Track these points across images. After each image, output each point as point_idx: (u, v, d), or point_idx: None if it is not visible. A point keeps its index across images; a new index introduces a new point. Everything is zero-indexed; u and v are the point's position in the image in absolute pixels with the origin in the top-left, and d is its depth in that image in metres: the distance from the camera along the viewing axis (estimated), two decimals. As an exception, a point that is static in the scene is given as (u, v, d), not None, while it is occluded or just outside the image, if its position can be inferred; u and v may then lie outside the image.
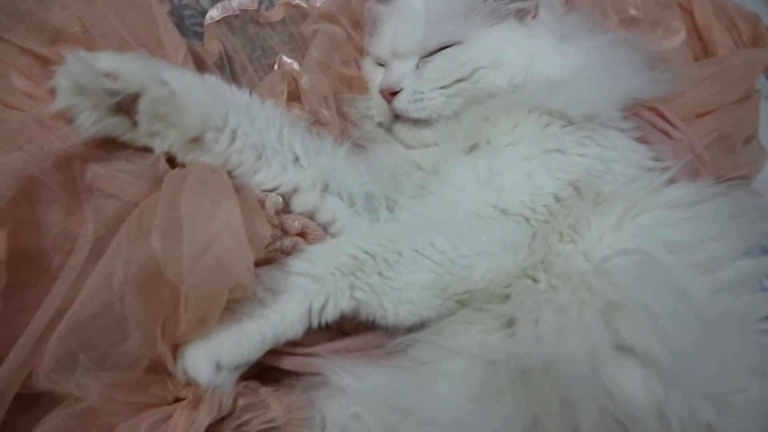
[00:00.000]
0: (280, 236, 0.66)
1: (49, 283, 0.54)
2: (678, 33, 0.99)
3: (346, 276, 0.61)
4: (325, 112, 0.78)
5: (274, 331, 0.57)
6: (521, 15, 0.80)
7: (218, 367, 0.54)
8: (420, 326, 0.65)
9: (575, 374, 0.55)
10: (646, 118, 0.86)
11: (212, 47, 0.76)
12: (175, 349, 0.55)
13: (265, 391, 0.62)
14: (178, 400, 0.57)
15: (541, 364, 0.56)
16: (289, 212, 0.70)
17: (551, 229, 0.68)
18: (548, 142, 0.73)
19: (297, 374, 0.63)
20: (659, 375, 0.55)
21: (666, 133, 0.87)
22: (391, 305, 0.61)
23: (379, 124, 0.85)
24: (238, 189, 0.58)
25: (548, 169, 0.71)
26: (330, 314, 0.60)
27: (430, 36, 0.79)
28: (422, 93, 0.78)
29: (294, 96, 0.80)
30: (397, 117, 0.82)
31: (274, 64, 0.83)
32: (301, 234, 0.70)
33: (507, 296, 0.65)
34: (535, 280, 0.65)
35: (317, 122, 0.77)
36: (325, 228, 0.72)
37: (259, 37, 0.83)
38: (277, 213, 0.66)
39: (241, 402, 0.59)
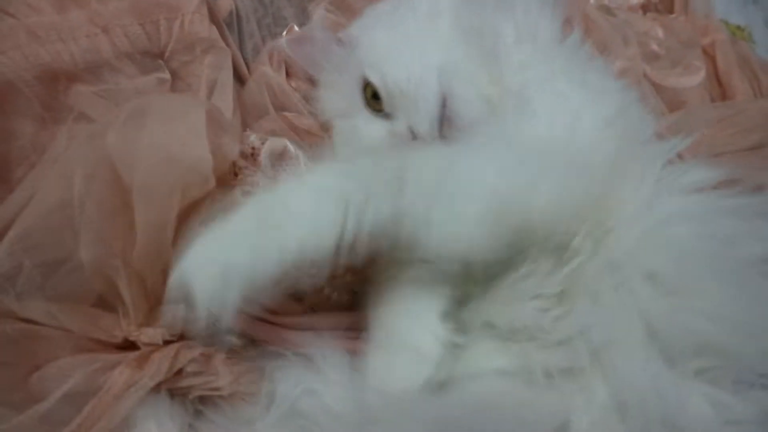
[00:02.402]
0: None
1: (6, 194, 0.50)
2: (698, 72, 0.98)
3: (390, 182, 0.47)
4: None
5: (297, 244, 0.43)
6: None
7: (224, 276, 0.41)
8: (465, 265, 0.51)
9: (633, 367, 0.46)
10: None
11: (224, 3, 0.74)
12: (135, 278, 0.50)
13: (218, 358, 0.57)
14: (126, 342, 0.52)
15: (606, 341, 0.47)
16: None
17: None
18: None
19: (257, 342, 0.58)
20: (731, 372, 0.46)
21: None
22: (440, 220, 0.47)
23: None
24: (210, 111, 0.54)
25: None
26: (368, 223, 0.45)
27: None
28: None
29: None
30: None
31: (281, 33, 0.80)
32: None
33: (566, 248, 0.53)
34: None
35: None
36: None
37: (272, 4, 0.80)
38: (276, 165, 0.61)
39: (189, 368, 0.53)
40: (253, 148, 0.58)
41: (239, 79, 0.73)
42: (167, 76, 0.64)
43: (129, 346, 0.53)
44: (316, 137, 0.71)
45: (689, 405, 0.45)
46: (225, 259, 0.42)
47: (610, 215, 0.54)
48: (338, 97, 0.70)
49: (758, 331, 0.46)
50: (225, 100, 0.65)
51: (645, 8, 1.10)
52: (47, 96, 0.55)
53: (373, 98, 0.66)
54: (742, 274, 0.49)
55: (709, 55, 1.06)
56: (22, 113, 0.53)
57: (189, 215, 0.52)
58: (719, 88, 1.05)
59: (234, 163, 0.59)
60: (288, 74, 0.73)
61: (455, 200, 0.49)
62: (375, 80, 0.64)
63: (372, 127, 0.66)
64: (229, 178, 0.58)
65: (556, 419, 0.46)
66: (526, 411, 0.48)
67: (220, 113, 0.57)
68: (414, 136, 0.63)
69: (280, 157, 0.62)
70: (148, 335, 0.52)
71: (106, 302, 0.53)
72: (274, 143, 0.61)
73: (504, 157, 0.53)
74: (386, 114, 0.66)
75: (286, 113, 0.70)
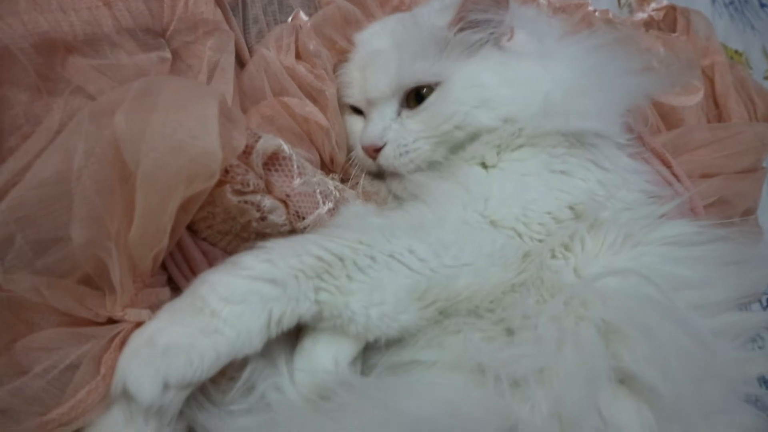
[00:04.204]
0: (263, 190, 0.60)
1: (-4, 162, 0.48)
2: (696, 93, 0.99)
3: (311, 278, 0.54)
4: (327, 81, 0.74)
5: (230, 348, 0.50)
6: (496, 39, 0.73)
7: (165, 387, 0.47)
8: (398, 341, 0.58)
9: (571, 388, 0.50)
10: (652, 164, 0.84)
11: (229, -13, 0.72)
12: (126, 261, 0.49)
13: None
14: (111, 321, 0.51)
15: (537, 370, 0.52)
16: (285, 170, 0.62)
17: (546, 248, 0.64)
18: (555, 162, 0.69)
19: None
20: (654, 409, 0.51)
21: (669, 184, 0.85)
22: (361, 306, 0.55)
23: (369, 174, 0.78)
24: (222, 102, 0.53)
25: (549, 188, 0.67)
26: (287, 322, 0.53)
27: (403, 75, 0.72)
28: (406, 145, 0.72)
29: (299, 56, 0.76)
30: (383, 170, 0.76)
31: (287, 20, 0.79)
32: (284, 202, 0.62)
33: (492, 310, 0.60)
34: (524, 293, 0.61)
35: (319, 77, 0.73)
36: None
37: (278, -9, 0.79)
38: (267, 166, 0.60)
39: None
40: (246, 146, 0.56)
41: (240, 64, 0.72)
42: (168, 55, 0.62)
43: (112, 321, 0.52)
44: (314, 125, 0.71)
45: (622, 422, 0.51)
46: (164, 370, 0.47)
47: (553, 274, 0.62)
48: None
49: (679, 379, 0.51)
50: (226, 84, 0.64)
51: (648, 25, 1.11)
52: (44, 66, 0.53)
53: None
54: (679, 323, 0.55)
55: (708, 77, 1.08)
56: (16, 81, 0.51)
57: (186, 208, 0.52)
58: (716, 110, 1.06)
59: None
60: (298, 57, 0.72)
61: (378, 284, 0.56)
62: None
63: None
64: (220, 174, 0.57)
65: (505, 422, 0.50)
66: (477, 410, 0.51)
67: (229, 105, 0.55)
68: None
69: (272, 157, 0.61)
70: (133, 315, 0.51)
71: (92, 281, 0.51)
72: (267, 142, 0.59)
73: (434, 237, 0.60)
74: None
75: (285, 99, 0.69)
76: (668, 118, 0.98)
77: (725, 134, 0.97)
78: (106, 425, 0.50)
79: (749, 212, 1.01)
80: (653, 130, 0.94)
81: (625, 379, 0.53)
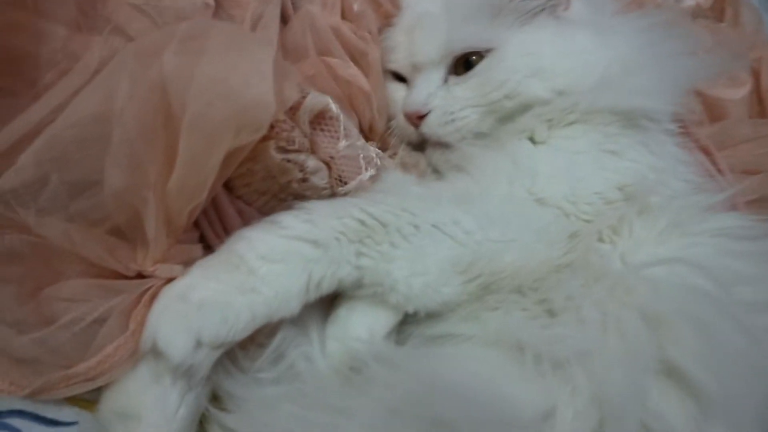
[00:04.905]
0: (307, 149, 0.57)
1: (31, 99, 0.45)
2: (743, 86, 0.95)
3: (353, 242, 0.52)
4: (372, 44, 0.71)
5: (267, 309, 0.48)
6: (552, 9, 0.70)
7: (198, 344, 0.45)
8: (439, 314, 0.56)
9: (614, 374, 0.48)
10: (696, 156, 0.81)
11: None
12: (162, 212, 0.46)
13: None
14: (140, 276, 0.48)
15: (580, 353, 0.49)
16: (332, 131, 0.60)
17: (593, 230, 0.61)
18: (607, 142, 0.66)
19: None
20: (701, 406, 0.49)
21: (712, 177, 0.83)
22: (403, 275, 0.53)
23: (408, 144, 0.75)
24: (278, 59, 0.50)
25: (599, 167, 0.65)
26: (327, 286, 0.52)
27: (454, 40, 0.69)
28: (453, 113, 0.69)
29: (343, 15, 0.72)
30: (425, 139, 0.73)
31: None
32: (327, 164, 0.60)
33: (535, 289, 0.58)
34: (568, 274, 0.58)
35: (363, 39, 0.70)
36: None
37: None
38: (314, 124, 0.57)
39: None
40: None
41: (282, 20, 0.68)
42: (212, 1, 0.59)
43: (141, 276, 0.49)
44: (356, 89, 0.68)
45: (665, 413, 0.49)
46: (198, 327, 0.45)
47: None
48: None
49: (728, 377, 0.49)
50: (269, 37, 0.61)
51: (695, 14, 1.07)
52: (84, 1, 0.50)
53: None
54: (733, 318, 0.52)
55: (755, 70, 1.03)
56: (56, 15, 0.48)
57: (226, 162, 0.49)
58: (758, 106, 1.03)
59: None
60: (343, 17, 0.69)
61: (421, 254, 0.54)
62: None
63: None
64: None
65: (544, 403, 0.48)
66: (515, 387, 0.50)
67: (280, 55, 0.52)
68: None
69: (319, 116, 0.58)
70: (165, 271, 0.48)
71: (122, 232, 0.49)
72: (315, 99, 0.57)
73: (480, 210, 0.58)
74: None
75: (328, 59, 0.66)
76: (712, 110, 0.94)
77: (767, 131, 0.94)
78: (132, 383, 0.48)
79: (784, 213, 0.98)
80: (697, 122, 0.91)
81: (671, 372, 0.51)
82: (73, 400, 0.48)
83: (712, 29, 1.01)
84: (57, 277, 0.45)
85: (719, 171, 0.85)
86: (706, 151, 0.85)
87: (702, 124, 0.94)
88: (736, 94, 0.95)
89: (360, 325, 0.55)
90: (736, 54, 0.99)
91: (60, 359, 0.45)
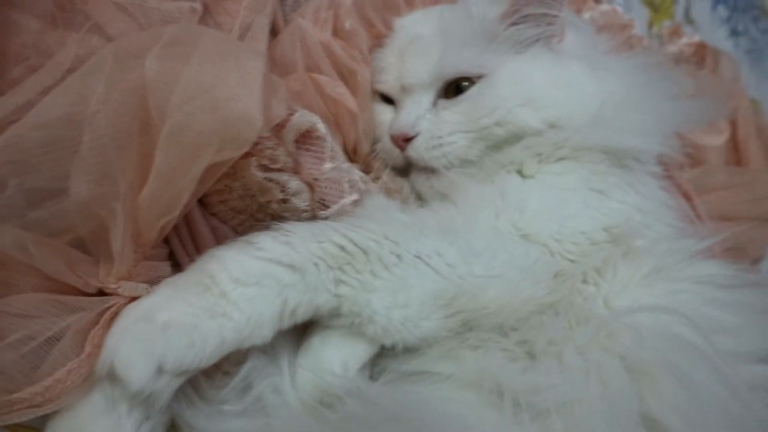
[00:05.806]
0: (291, 169, 0.54)
1: (-5, 93, 0.41)
2: (722, 134, 0.97)
3: (332, 269, 0.49)
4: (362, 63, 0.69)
5: (237, 335, 0.45)
6: (547, 40, 0.69)
7: (159, 370, 0.42)
8: (416, 349, 0.54)
9: (595, 428, 0.46)
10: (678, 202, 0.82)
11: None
12: (130, 226, 0.42)
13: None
14: (101, 293, 0.44)
15: (560, 403, 0.47)
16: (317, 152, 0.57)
17: (578, 270, 0.60)
18: (595, 180, 0.65)
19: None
20: None
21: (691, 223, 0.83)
22: (383, 306, 0.50)
23: (393, 168, 0.72)
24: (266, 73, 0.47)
25: (586, 206, 0.63)
26: (302, 313, 0.49)
27: (446, 63, 0.67)
28: (441, 137, 0.67)
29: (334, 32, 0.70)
30: (411, 163, 0.71)
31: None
32: (310, 186, 0.56)
33: (517, 329, 0.56)
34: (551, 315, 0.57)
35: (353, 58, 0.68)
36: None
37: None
38: (299, 143, 0.54)
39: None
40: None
41: (272, 31, 0.66)
42: (199, 6, 0.56)
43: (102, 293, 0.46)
44: (343, 109, 0.65)
45: None
46: (161, 352, 0.42)
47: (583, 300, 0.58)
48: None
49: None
50: (258, 48, 0.58)
51: (678, 59, 1.09)
52: (62, -5, 0.47)
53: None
54: (715, 370, 0.50)
55: (731, 119, 1.06)
56: (29, 6, 0.45)
57: (204, 177, 0.45)
58: (735, 154, 1.05)
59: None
60: (334, 34, 0.67)
61: (404, 285, 0.51)
62: None
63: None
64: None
65: None
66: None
67: (268, 69, 0.49)
68: None
69: (306, 135, 0.56)
70: (128, 289, 0.45)
71: (84, 245, 0.45)
72: (303, 117, 0.54)
73: (465, 242, 0.56)
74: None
75: (317, 76, 0.63)
76: (692, 155, 0.96)
77: (745, 179, 0.96)
78: (83, 411, 0.43)
79: (758, 261, 1.00)
80: (678, 165, 0.92)
81: (652, 427, 0.49)
82: (13, 428, 0.43)
83: (694, 75, 1.03)
84: (7, 290, 0.41)
85: (698, 217, 0.86)
86: (686, 196, 0.85)
87: (683, 167, 0.95)
88: (715, 140, 0.97)
89: (334, 358, 0.52)
90: (717, 101, 1.00)
91: (3, 382, 0.40)
